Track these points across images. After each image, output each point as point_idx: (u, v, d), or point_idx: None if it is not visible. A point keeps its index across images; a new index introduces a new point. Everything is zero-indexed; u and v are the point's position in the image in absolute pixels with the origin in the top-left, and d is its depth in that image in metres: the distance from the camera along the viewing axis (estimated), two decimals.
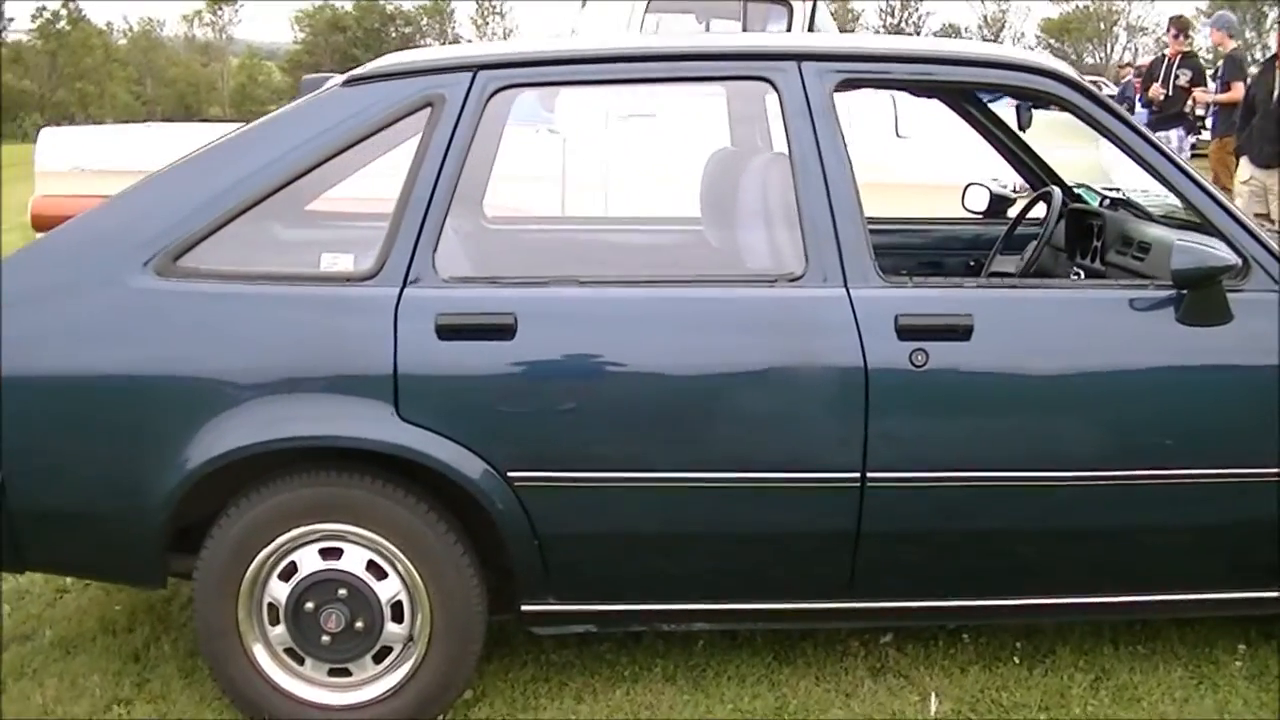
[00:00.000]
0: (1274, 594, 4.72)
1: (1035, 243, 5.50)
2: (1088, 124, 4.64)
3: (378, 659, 4.41)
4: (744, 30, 9.94)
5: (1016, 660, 4.97)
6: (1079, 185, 6.15)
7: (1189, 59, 16.20)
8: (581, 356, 4.32)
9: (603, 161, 8.95)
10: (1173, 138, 15.63)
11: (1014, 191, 6.84)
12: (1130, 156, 4.63)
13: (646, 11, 9.60)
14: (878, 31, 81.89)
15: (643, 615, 4.67)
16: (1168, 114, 15.81)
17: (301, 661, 4.39)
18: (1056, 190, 5.74)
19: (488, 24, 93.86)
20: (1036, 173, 6.10)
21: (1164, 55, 16.92)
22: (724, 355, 4.33)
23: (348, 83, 4.49)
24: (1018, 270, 5.49)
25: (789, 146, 4.48)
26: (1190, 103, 15.77)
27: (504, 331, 4.25)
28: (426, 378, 4.16)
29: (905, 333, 4.23)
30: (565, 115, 9.29)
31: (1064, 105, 4.66)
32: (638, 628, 4.88)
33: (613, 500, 4.37)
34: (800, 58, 4.56)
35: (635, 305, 4.39)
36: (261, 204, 4.37)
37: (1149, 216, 5.56)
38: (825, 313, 4.25)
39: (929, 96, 6.82)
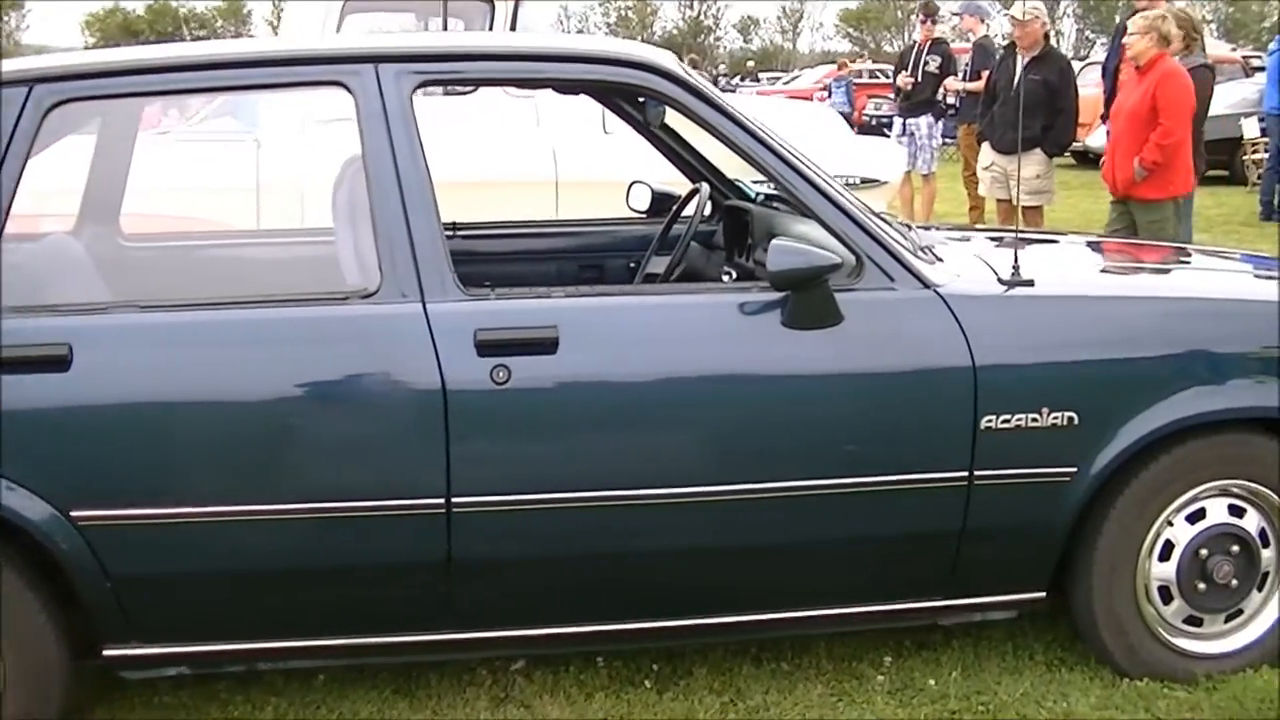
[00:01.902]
0: (933, 603, 4.67)
1: (680, 243, 5.22)
2: (689, 118, 4.45)
3: None
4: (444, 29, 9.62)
5: (649, 684, 4.72)
6: (740, 180, 5.88)
7: (939, 45, 16.18)
8: (140, 387, 4.05)
9: (299, 169, 8.58)
10: (922, 125, 15.55)
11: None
12: (734, 151, 4.46)
13: (344, 13, 9.22)
14: (676, 26, 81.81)
15: (242, 654, 4.39)
16: (916, 101, 15.74)
17: None
18: (705, 186, 5.52)
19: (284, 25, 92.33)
20: (696, 168, 5.82)
21: (915, 42, 16.78)
22: (295, 379, 4.10)
23: None
24: (664, 272, 5.23)
25: (363, 154, 4.25)
26: (941, 90, 15.60)
27: (58, 363, 3.95)
28: None
29: (485, 348, 4.05)
30: (261, 121, 8.89)
31: (662, 99, 4.50)
32: (236, 668, 4.55)
33: (186, 537, 4.08)
34: (377, 60, 4.31)
35: (198, 330, 4.14)
36: None
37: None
38: (400, 330, 4.07)
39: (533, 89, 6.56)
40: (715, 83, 44.70)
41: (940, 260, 4.73)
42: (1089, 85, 17.96)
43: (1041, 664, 4.95)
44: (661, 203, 5.99)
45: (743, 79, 52.01)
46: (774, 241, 4.20)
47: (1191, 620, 4.75)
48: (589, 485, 4.14)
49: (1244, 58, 30.68)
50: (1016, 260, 4.57)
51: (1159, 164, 9.66)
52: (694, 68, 20.55)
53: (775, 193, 5.56)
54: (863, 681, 4.85)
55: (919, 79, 15.92)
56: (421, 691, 4.76)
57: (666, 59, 4.50)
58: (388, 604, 4.33)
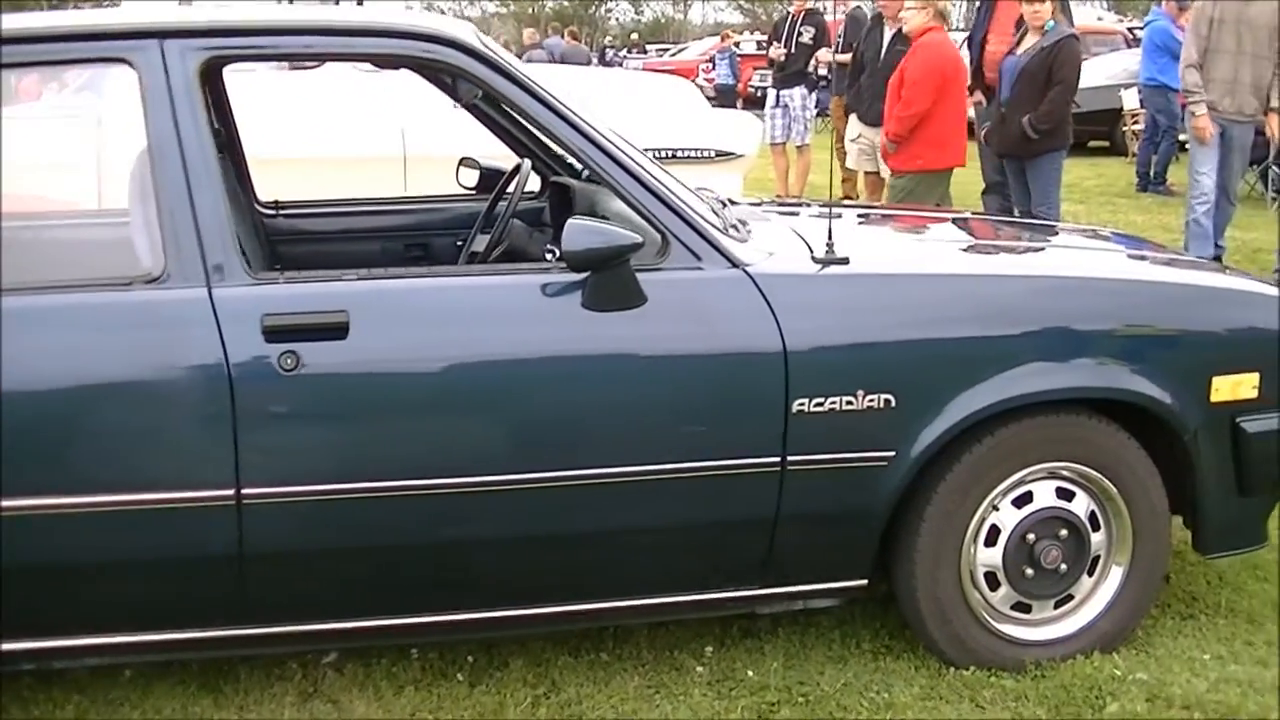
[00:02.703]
0: (750, 591, 4.52)
1: (499, 221, 5.03)
2: (487, 92, 4.34)
3: None
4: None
5: (461, 677, 4.56)
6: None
7: (812, 16, 15.98)
8: None
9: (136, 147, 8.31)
10: (795, 96, 15.39)
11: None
12: (533, 126, 4.38)
13: None
14: None
15: (34, 653, 4.19)
16: (790, 73, 15.58)
17: None
18: (526, 162, 5.31)
19: None
20: (523, 143, 5.64)
21: (788, 13, 16.56)
22: (80, 369, 3.92)
23: None
24: (483, 251, 5.04)
25: (147, 134, 4.06)
26: (813, 62, 15.48)
27: None
28: None
29: (272, 334, 3.89)
30: (107, 97, 8.63)
31: (458, 73, 4.34)
32: (28, 666, 4.33)
33: None
34: (162, 35, 4.09)
35: None
36: None
37: None
38: (185, 316, 3.89)
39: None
40: (602, 54, 44.65)
41: (753, 238, 4.56)
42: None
43: (868, 653, 4.81)
44: (491, 179, 5.76)
45: (628, 51, 51.62)
46: (570, 220, 4.04)
47: (1020, 606, 4.65)
48: (385, 474, 3.99)
49: (1129, 29, 30.73)
50: (831, 237, 4.41)
51: (901, 136, 9.95)
52: (575, 40, 20.54)
53: None
54: (682, 673, 4.69)
55: (792, 50, 15.71)
56: (229, 687, 4.58)
57: (462, 31, 4.30)
58: (182, 598, 4.13)
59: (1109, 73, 21.64)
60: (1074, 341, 4.45)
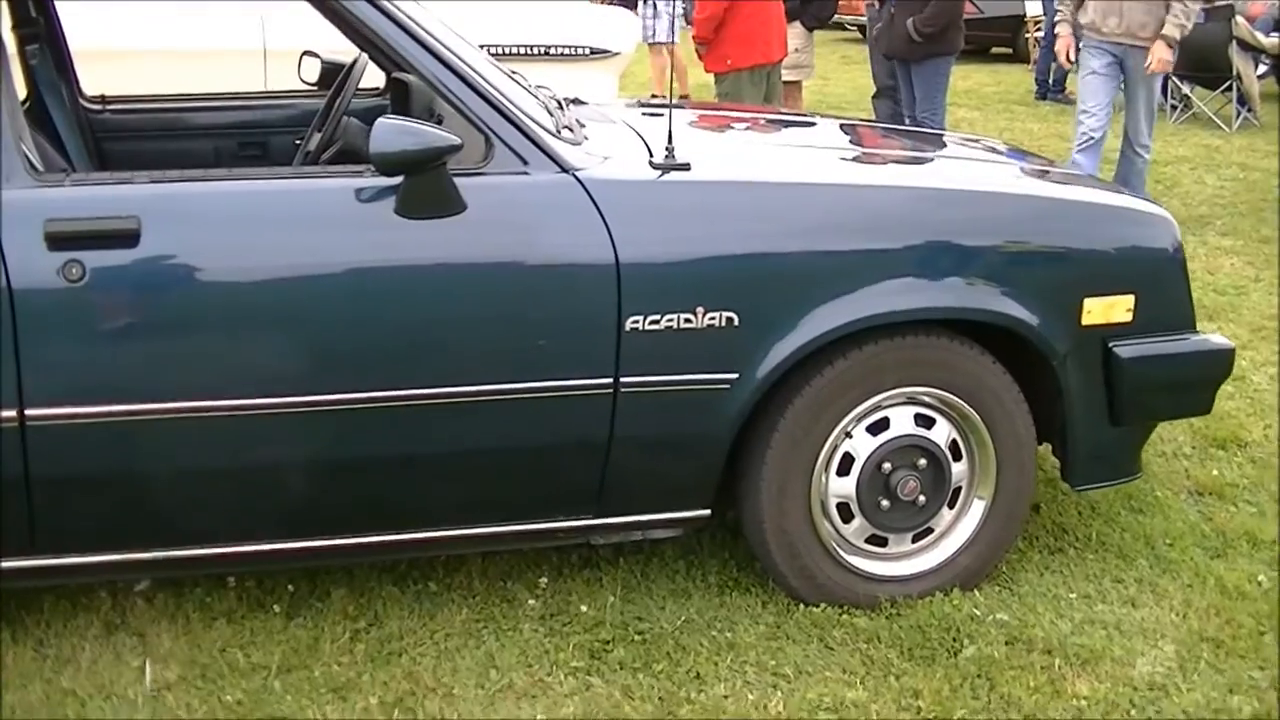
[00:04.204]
0: (584, 521, 4.21)
1: (331, 118, 4.66)
2: None
3: None
4: None
5: (278, 609, 4.28)
6: None
7: None
8: None
9: None
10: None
11: None
12: (352, 27, 3.97)
13: None
14: None
15: None
16: None
17: None
18: (363, 57, 4.90)
19: None
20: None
21: None
22: None
23: None
24: (315, 150, 4.68)
25: None
26: None
27: None
28: None
29: (56, 241, 3.57)
30: None
31: None
32: None
33: None
34: None
35: None
36: None
37: None
38: None
39: None
40: None
41: (588, 140, 4.22)
42: None
43: (713, 586, 4.52)
44: (334, 74, 5.36)
45: None
46: (380, 120, 3.68)
47: (875, 540, 4.38)
48: (181, 395, 3.71)
49: None
50: (671, 141, 4.06)
51: (706, 39, 9.90)
52: None
53: None
54: (513, 605, 4.40)
55: None
56: (31, 618, 4.26)
57: None
58: None
59: None
60: (935, 257, 4.17)
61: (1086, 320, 4.32)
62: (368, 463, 3.95)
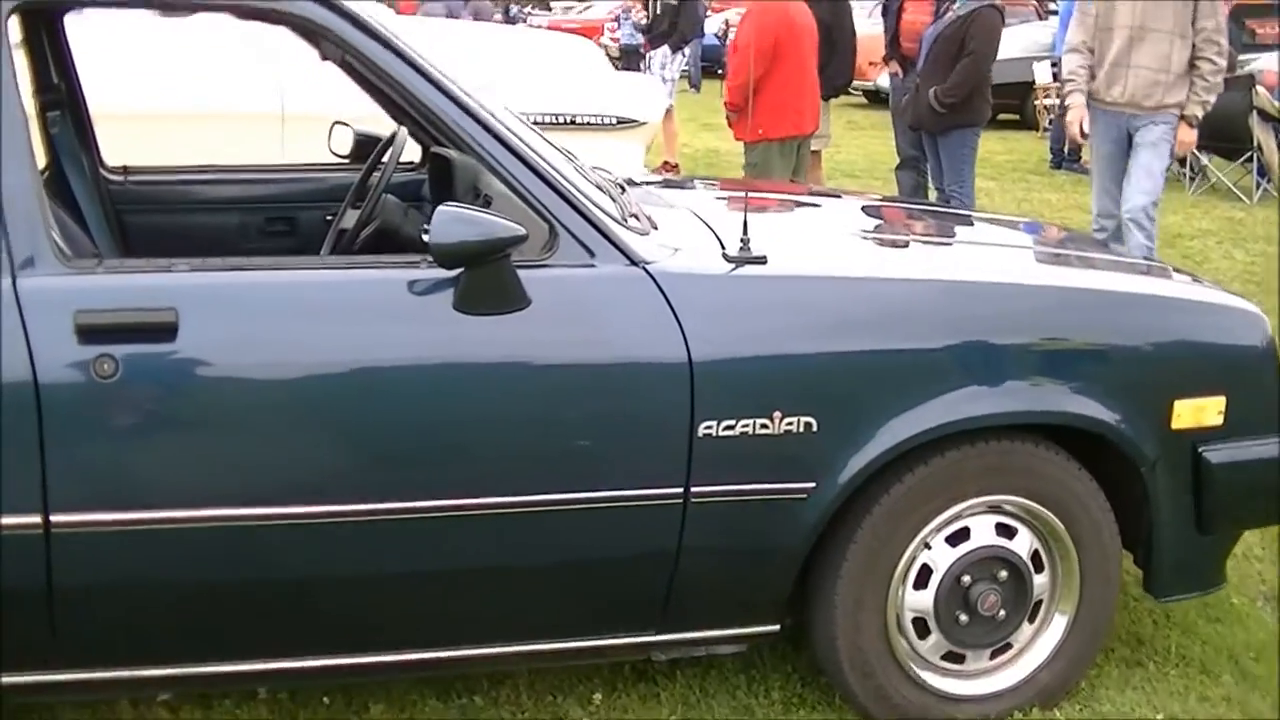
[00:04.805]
0: (646, 638, 3.93)
1: (370, 196, 4.40)
2: (350, 53, 3.66)
3: None
4: None
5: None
6: None
7: None
8: None
9: None
10: (657, 58, 14.94)
11: None
12: (401, 94, 3.70)
13: None
14: None
15: None
16: (654, 34, 15.12)
17: None
18: (402, 131, 4.67)
19: None
20: (403, 108, 4.94)
21: None
22: None
23: None
24: (352, 229, 4.41)
25: None
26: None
27: None
28: None
29: (86, 333, 3.28)
30: None
31: (314, 29, 3.65)
32: None
33: None
34: None
35: None
36: None
37: None
38: None
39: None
40: (506, 10, 43.96)
41: (656, 229, 3.97)
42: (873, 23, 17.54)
43: (777, 703, 4.24)
44: (367, 146, 5.10)
45: (533, 7, 51.06)
46: (440, 207, 3.44)
47: (951, 656, 4.10)
48: (218, 501, 3.44)
49: (1037, 1, 30.39)
50: (746, 231, 3.81)
51: (737, 106, 9.61)
52: None
53: None
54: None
55: (658, 10, 15.48)
56: None
57: None
58: None
59: (1021, 44, 21.21)
60: (1023, 357, 3.93)
61: (1176, 424, 4.07)
62: (415, 576, 3.68)
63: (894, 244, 4.90)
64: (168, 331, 3.37)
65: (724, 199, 5.03)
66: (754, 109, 9.36)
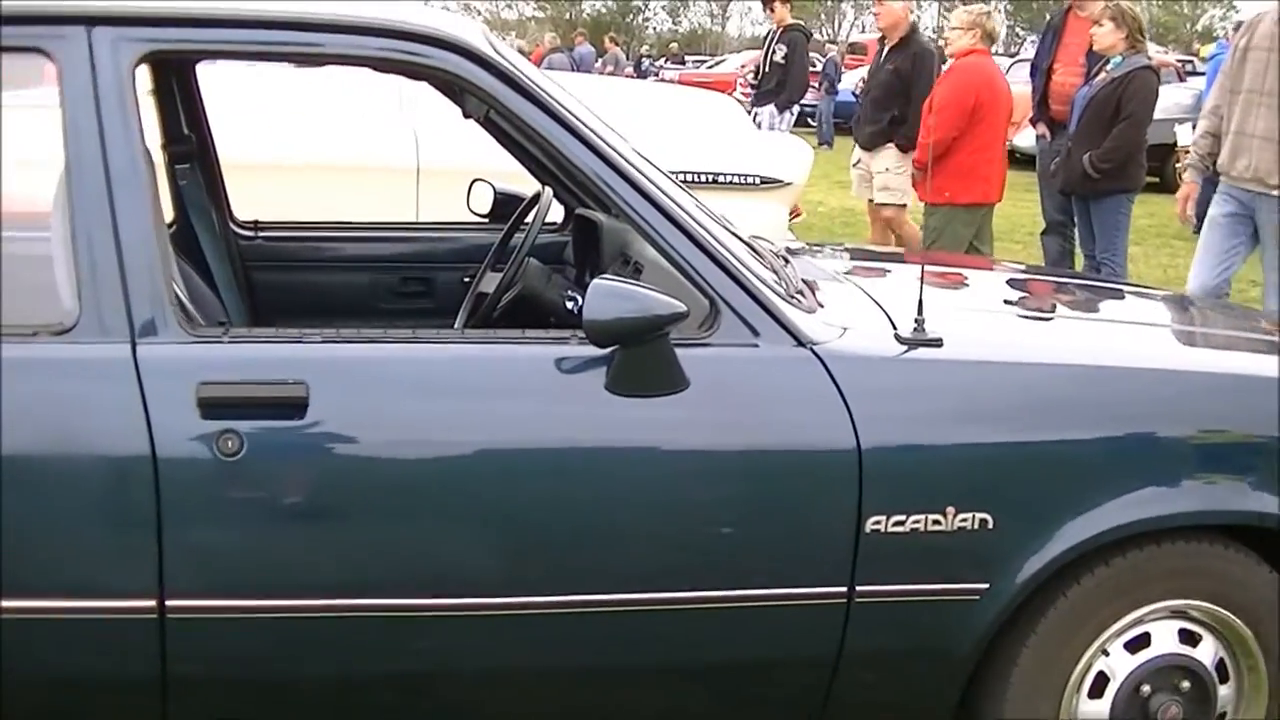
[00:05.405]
0: None
1: (512, 259, 4.21)
2: (499, 111, 3.46)
3: None
4: None
5: None
6: None
7: (789, 33, 15.46)
8: None
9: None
10: (765, 115, 14.74)
11: None
12: (552, 157, 3.65)
13: None
14: (605, 5, 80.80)
15: None
16: (761, 91, 15.12)
17: None
18: (548, 191, 4.50)
19: None
20: (547, 167, 4.78)
21: (774, 28, 15.95)
22: None
23: None
24: (492, 294, 4.20)
25: (65, 143, 3.23)
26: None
27: None
28: None
29: (210, 407, 3.10)
30: None
31: (464, 86, 3.45)
32: None
33: None
34: (90, 21, 3.25)
35: None
36: None
37: None
38: (99, 377, 3.13)
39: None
40: (639, 64, 44.22)
41: (822, 306, 3.75)
42: (1019, 83, 17.18)
43: None
44: (507, 205, 4.92)
45: (667, 60, 51.55)
46: (595, 281, 3.22)
47: None
48: (347, 590, 3.27)
49: (1179, 61, 30.02)
50: (921, 310, 3.56)
51: (923, 164, 9.19)
52: (613, 45, 20.17)
53: None
54: None
55: (767, 68, 15.26)
56: None
57: (466, 32, 3.47)
58: None
59: (1162, 106, 20.77)
60: (1218, 450, 3.68)
61: None
62: (549, 674, 3.49)
63: (1069, 323, 4.63)
64: (297, 407, 3.18)
65: (888, 271, 4.75)
66: (941, 170, 9.07)
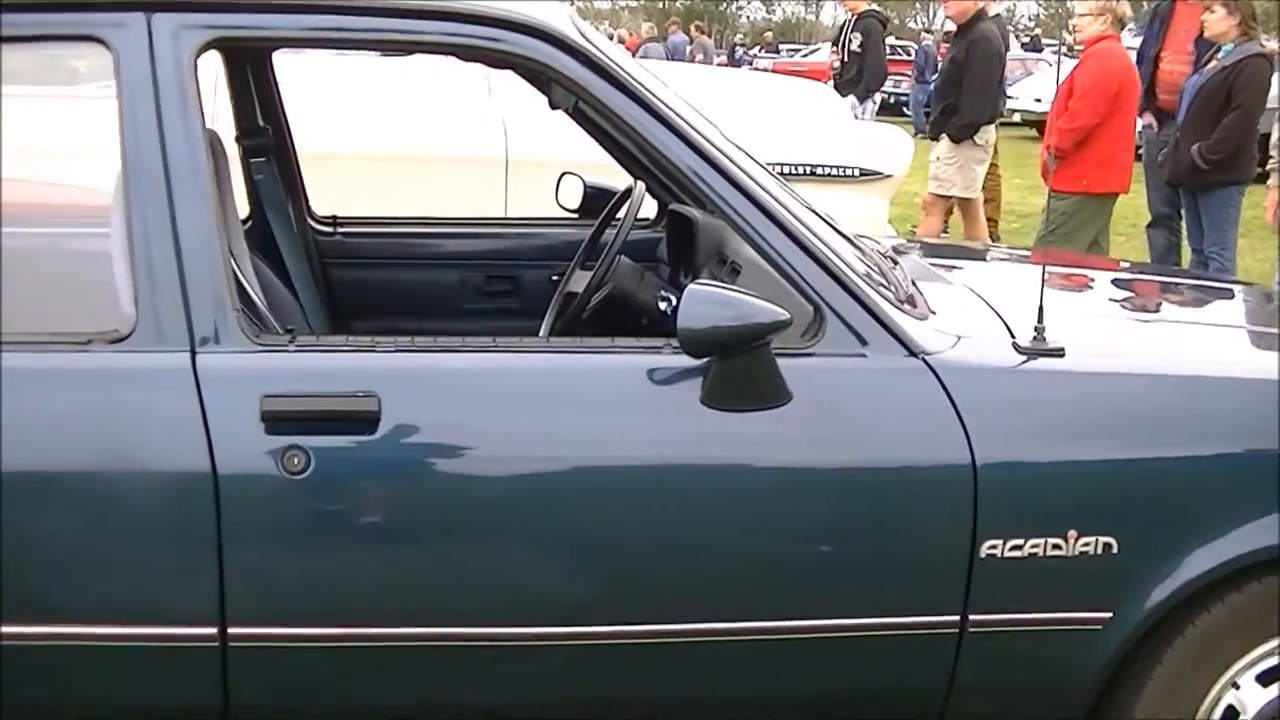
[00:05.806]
0: None
1: (603, 257, 4.06)
2: (589, 102, 3.24)
3: None
4: None
5: None
6: None
7: (863, 21, 15.20)
8: None
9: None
10: (846, 104, 14.52)
11: None
12: (646, 152, 3.32)
13: None
14: None
15: None
16: (841, 81, 14.93)
17: None
18: (640, 186, 4.30)
19: None
20: (639, 161, 4.54)
21: (850, 16, 15.70)
22: (11, 460, 2.93)
23: None
24: (582, 293, 4.01)
25: (121, 138, 3.05)
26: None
27: None
28: None
29: (275, 421, 2.93)
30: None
31: (553, 76, 3.25)
32: None
33: None
34: (150, 7, 3.08)
35: None
36: None
37: None
38: (156, 389, 2.97)
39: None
40: (732, 53, 44.09)
41: (934, 313, 3.51)
42: None
43: None
44: (597, 200, 4.71)
45: (761, 49, 51.45)
46: (690, 286, 3.00)
47: None
48: (421, 617, 3.09)
49: None
50: (1042, 318, 3.32)
51: (1065, 151, 8.81)
52: (700, 34, 19.93)
53: None
54: None
55: (845, 58, 15.08)
56: None
57: (555, 18, 3.26)
58: None
59: (1274, 95, 20.47)
60: None
61: None
62: (643, 708, 3.29)
63: (1198, 330, 4.32)
64: (368, 422, 2.99)
65: (999, 272, 4.50)
66: (1080, 157, 8.90)
